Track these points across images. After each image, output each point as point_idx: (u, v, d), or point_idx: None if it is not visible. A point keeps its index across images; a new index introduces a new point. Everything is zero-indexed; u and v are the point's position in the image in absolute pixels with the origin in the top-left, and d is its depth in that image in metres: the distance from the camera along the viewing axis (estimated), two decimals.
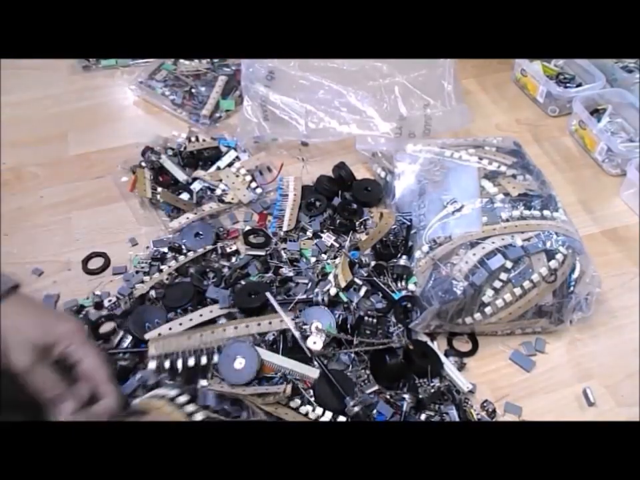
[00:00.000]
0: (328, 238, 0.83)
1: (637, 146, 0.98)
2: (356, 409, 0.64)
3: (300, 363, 0.68)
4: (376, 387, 0.68)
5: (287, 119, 0.95)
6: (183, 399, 0.61)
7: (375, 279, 0.77)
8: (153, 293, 0.76)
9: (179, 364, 0.66)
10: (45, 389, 0.57)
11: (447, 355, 0.73)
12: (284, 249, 0.82)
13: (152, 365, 0.66)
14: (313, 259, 0.80)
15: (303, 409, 0.64)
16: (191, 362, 0.67)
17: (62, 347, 0.59)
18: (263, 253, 0.81)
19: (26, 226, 0.86)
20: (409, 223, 0.82)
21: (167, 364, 0.66)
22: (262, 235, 0.84)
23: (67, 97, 1.07)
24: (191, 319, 0.72)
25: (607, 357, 0.75)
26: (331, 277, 0.76)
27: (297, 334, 0.68)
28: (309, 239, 0.84)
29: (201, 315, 0.72)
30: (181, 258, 0.79)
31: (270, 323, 0.70)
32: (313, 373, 0.68)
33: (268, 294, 0.73)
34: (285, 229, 0.84)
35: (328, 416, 0.64)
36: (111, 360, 0.67)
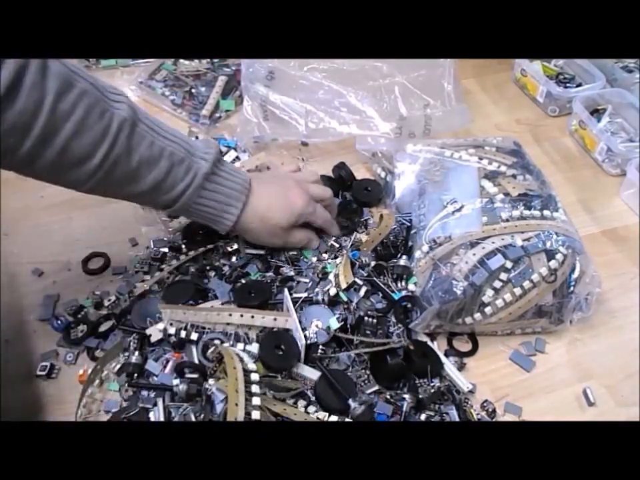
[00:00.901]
0: (328, 238, 0.83)
1: (637, 146, 0.98)
2: (359, 409, 0.64)
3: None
4: (376, 387, 0.68)
5: (286, 119, 0.95)
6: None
7: (375, 279, 0.77)
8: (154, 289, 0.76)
9: (183, 334, 0.69)
10: (305, 242, 0.80)
11: (447, 355, 0.73)
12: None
13: (160, 325, 0.69)
14: (314, 259, 0.80)
15: (311, 409, 0.64)
16: (194, 336, 0.69)
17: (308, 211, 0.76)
18: (263, 252, 0.81)
19: (26, 226, 0.86)
20: (408, 224, 0.82)
21: (171, 330, 0.69)
22: None
23: None
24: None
25: (606, 357, 0.75)
26: (331, 277, 0.76)
27: (300, 335, 0.68)
28: None
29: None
30: (182, 257, 0.79)
31: (275, 319, 0.70)
32: (313, 374, 0.68)
33: (286, 292, 0.73)
34: None
35: (333, 418, 0.64)
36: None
